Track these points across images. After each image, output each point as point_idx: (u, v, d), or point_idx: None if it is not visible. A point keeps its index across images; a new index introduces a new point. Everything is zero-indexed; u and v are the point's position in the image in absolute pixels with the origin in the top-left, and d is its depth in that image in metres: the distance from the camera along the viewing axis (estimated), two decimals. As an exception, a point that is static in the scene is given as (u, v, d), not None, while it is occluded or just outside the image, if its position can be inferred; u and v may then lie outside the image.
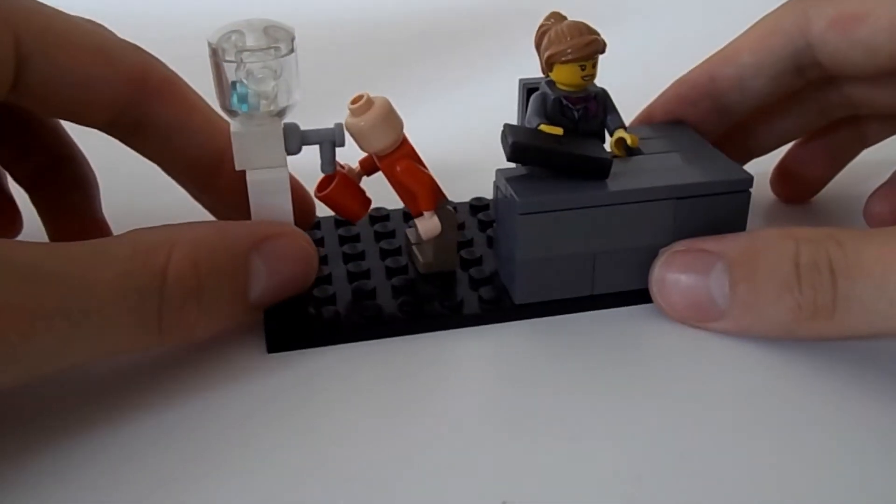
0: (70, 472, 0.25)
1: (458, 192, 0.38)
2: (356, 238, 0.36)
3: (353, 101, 0.30)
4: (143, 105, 0.31)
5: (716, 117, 0.36)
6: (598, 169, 0.31)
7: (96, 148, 0.36)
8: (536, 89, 0.33)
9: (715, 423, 0.27)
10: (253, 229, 0.29)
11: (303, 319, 0.31)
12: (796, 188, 0.41)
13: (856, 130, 0.39)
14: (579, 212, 0.30)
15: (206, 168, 0.33)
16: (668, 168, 0.32)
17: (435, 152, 0.33)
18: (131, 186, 0.38)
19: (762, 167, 0.41)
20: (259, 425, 0.27)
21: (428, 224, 0.31)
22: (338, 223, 0.37)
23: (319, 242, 0.36)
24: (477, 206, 0.38)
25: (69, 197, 0.36)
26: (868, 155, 0.40)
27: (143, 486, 0.25)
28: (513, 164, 0.31)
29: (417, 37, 0.65)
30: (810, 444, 0.27)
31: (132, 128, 0.32)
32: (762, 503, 0.25)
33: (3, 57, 0.27)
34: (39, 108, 0.29)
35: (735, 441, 0.27)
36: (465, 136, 0.34)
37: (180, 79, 0.33)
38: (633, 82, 0.37)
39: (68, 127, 0.36)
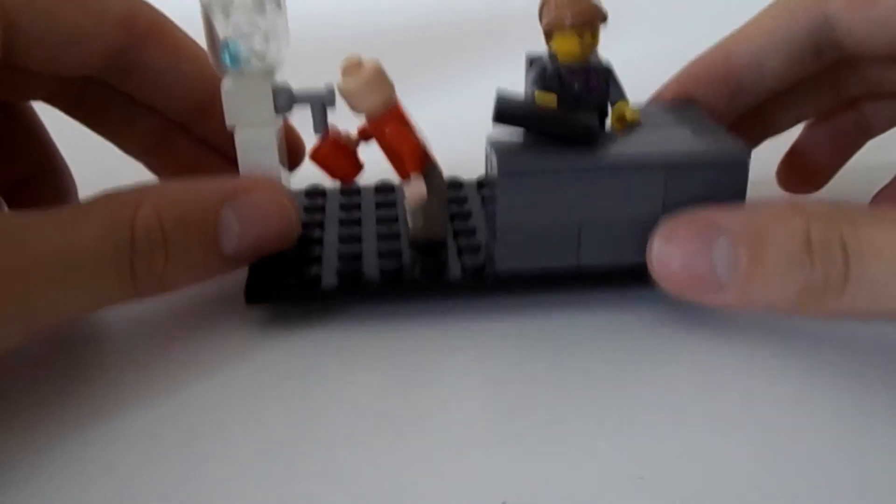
0: (32, 443, 0.26)
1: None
2: (357, 206, 0.36)
3: (345, 63, 0.30)
4: (134, 50, 0.32)
5: (731, 99, 0.35)
6: (584, 134, 0.30)
7: (79, 155, 0.37)
8: (541, 64, 0.32)
9: (717, 420, 0.26)
10: (225, 184, 0.30)
11: (283, 275, 0.31)
12: (802, 178, 0.39)
13: (859, 118, 0.37)
14: (563, 176, 0.29)
15: (198, 106, 0.34)
16: (662, 139, 0.31)
17: (452, 140, 0.33)
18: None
19: (770, 162, 0.39)
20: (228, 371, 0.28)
21: (414, 187, 0.31)
22: (342, 191, 0.37)
23: (321, 209, 0.36)
24: (483, 183, 0.38)
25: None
26: (872, 159, 0.39)
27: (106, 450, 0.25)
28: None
29: (432, 27, 0.67)
30: (815, 443, 0.25)
31: (124, 72, 0.33)
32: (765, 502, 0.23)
33: None
34: (27, 66, 0.30)
35: (737, 439, 0.25)
36: (475, 125, 0.33)
37: (169, 20, 0.33)
38: (644, 76, 0.36)
39: (54, 135, 0.36)
